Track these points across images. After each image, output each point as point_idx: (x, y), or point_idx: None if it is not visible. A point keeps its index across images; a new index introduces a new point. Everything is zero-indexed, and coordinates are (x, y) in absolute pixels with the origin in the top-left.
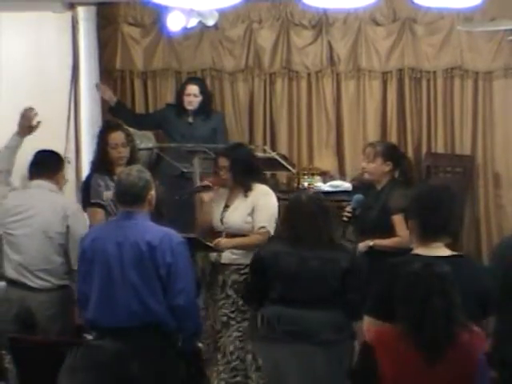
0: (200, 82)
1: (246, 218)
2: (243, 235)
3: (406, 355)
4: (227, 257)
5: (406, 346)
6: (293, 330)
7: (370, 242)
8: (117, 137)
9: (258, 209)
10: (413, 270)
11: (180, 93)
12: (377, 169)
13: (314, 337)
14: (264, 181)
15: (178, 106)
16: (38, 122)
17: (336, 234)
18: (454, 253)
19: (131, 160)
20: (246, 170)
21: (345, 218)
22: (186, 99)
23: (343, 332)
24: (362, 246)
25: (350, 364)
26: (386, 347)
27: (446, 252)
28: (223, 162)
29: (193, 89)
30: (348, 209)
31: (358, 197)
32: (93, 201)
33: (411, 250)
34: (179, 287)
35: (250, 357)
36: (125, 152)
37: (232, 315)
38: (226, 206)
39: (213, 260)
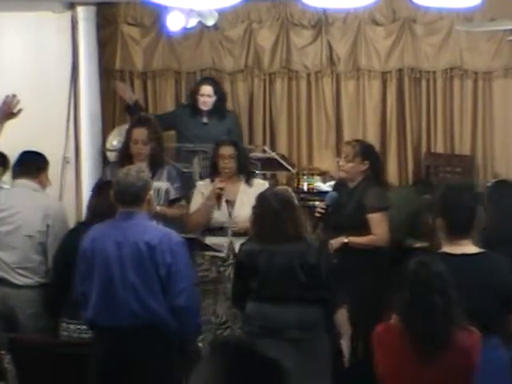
0: (214, 82)
1: None
2: None
3: (402, 352)
4: None
5: (404, 343)
6: (264, 326)
7: (345, 239)
8: (139, 133)
9: None
10: (411, 269)
11: (194, 93)
12: (354, 168)
13: (282, 334)
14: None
15: (192, 107)
16: (19, 110)
17: (303, 230)
18: (481, 250)
19: (154, 159)
20: (247, 159)
21: (317, 214)
22: (201, 99)
23: (312, 330)
24: (336, 242)
25: (326, 362)
26: (385, 344)
27: (474, 249)
28: (227, 150)
29: (207, 89)
30: (321, 205)
31: (332, 194)
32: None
33: (384, 247)
34: (180, 287)
35: None
36: (144, 149)
37: None
38: (228, 201)
39: (223, 255)
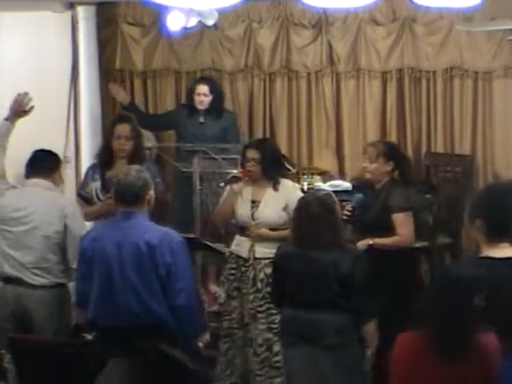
0: (210, 81)
1: (280, 213)
2: (274, 229)
3: (423, 359)
4: (261, 251)
5: (425, 350)
6: (301, 333)
7: (370, 241)
8: (122, 129)
9: (295, 203)
10: (439, 273)
11: (190, 93)
12: (378, 169)
13: (319, 340)
14: (286, 176)
15: (190, 106)
16: (31, 107)
17: (342, 237)
18: None
19: (135, 155)
20: (274, 162)
21: (344, 217)
22: (197, 99)
23: (348, 336)
24: (361, 244)
25: (359, 369)
26: (405, 353)
27: None
28: (252, 154)
29: (203, 88)
30: (348, 207)
31: (358, 196)
32: (77, 190)
33: (411, 248)
34: (179, 287)
35: (276, 348)
36: (127, 145)
37: (260, 308)
38: (254, 202)
39: (245, 256)
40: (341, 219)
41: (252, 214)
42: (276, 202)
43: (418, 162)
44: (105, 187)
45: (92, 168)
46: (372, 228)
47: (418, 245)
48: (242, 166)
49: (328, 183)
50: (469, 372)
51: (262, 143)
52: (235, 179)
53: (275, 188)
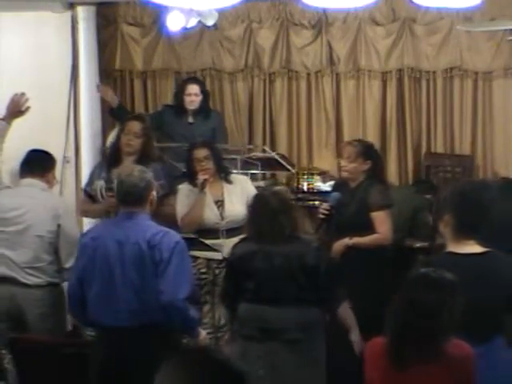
0: (199, 81)
1: (243, 208)
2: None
3: (390, 370)
4: None
5: (389, 361)
6: (262, 328)
7: (349, 242)
8: (132, 125)
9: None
10: (411, 277)
11: (180, 93)
12: (357, 168)
13: (281, 335)
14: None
15: (177, 107)
16: (27, 108)
17: (300, 230)
18: (488, 249)
19: (143, 155)
20: (222, 158)
21: (321, 216)
22: (187, 99)
23: (311, 331)
24: (339, 245)
25: (321, 362)
26: (373, 361)
27: (480, 249)
28: (203, 152)
29: (194, 88)
30: (325, 206)
31: (335, 194)
32: (83, 187)
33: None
34: (175, 285)
35: None
36: (134, 141)
37: None
38: (216, 201)
39: (220, 258)
40: (298, 212)
41: (220, 214)
42: (238, 198)
43: (418, 163)
44: (109, 185)
45: (99, 166)
46: (348, 226)
47: (418, 245)
48: (190, 168)
49: (328, 183)
50: (432, 378)
51: (207, 141)
52: (206, 183)
53: (228, 181)
